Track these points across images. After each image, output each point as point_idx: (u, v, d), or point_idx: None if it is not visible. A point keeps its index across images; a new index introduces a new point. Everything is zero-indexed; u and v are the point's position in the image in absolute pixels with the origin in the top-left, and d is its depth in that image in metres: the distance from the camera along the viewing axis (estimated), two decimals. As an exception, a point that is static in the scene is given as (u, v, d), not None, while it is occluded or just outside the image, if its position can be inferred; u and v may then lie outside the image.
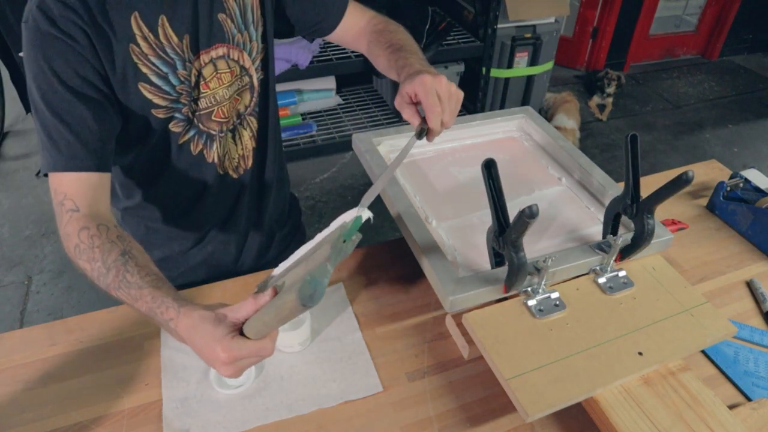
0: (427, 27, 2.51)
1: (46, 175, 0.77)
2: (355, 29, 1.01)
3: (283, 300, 0.57)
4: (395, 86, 2.94)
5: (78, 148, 0.74)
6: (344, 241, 0.60)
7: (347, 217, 0.66)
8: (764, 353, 0.86)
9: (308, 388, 0.78)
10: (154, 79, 0.80)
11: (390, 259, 1.01)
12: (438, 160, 1.06)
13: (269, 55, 0.95)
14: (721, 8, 3.89)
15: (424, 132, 0.77)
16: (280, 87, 2.62)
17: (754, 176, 1.13)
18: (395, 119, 2.90)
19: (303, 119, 2.82)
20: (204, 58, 0.84)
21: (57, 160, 0.74)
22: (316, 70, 2.43)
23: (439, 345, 0.86)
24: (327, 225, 0.67)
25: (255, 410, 0.75)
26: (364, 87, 3.18)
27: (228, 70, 0.88)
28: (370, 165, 0.97)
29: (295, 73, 2.38)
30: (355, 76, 3.08)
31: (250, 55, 0.91)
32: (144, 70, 0.79)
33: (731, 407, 0.74)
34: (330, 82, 2.84)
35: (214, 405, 0.76)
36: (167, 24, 0.79)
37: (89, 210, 0.74)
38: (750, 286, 0.98)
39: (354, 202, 2.71)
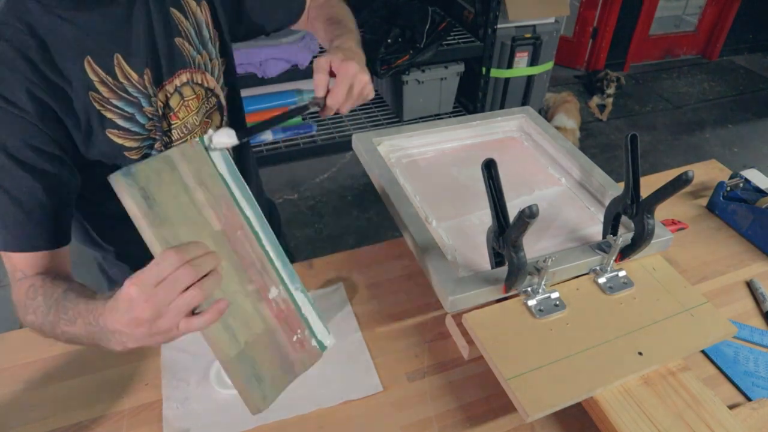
0: (427, 27, 2.50)
1: None
2: (305, 12, 1.01)
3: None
4: (395, 86, 2.92)
5: (29, 227, 0.69)
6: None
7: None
8: (764, 353, 0.86)
9: (308, 387, 0.78)
10: (120, 122, 0.75)
11: (390, 259, 1.01)
12: (438, 160, 1.06)
13: (231, 67, 0.92)
14: (721, 8, 3.89)
15: (321, 105, 0.77)
16: (280, 87, 2.61)
17: (754, 176, 1.13)
18: (395, 119, 2.90)
19: (303, 119, 2.82)
20: (168, 88, 0.79)
21: (6, 240, 0.69)
22: (316, 70, 2.43)
23: (439, 345, 0.86)
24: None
25: (255, 410, 0.75)
26: (364, 87, 3.18)
27: (194, 96, 0.84)
28: (370, 165, 0.97)
29: (295, 73, 2.38)
30: (355, 76, 3.08)
31: (213, 74, 0.87)
32: (109, 115, 0.74)
33: (731, 407, 0.74)
34: (330, 82, 2.84)
35: (214, 405, 0.76)
36: (123, 62, 0.73)
37: (38, 273, 0.70)
38: (750, 286, 0.98)
39: (354, 202, 2.73)
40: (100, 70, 0.72)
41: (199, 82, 0.85)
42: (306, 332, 0.65)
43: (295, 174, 2.74)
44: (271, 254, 0.61)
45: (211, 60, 0.86)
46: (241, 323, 0.61)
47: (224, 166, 0.58)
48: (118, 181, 0.53)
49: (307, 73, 2.42)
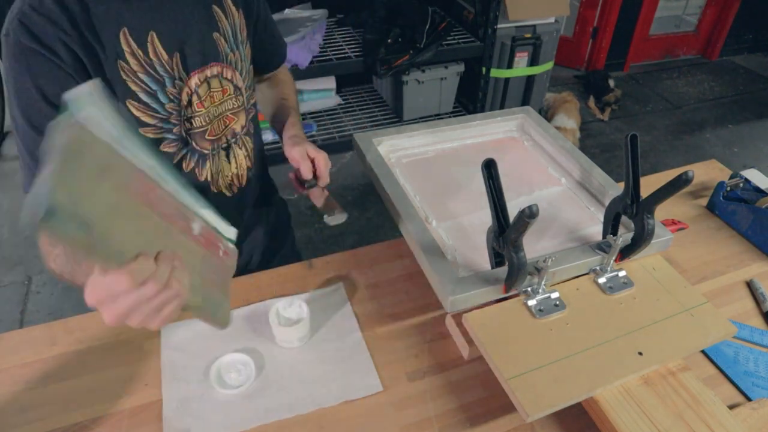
0: (427, 27, 2.50)
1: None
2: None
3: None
4: (395, 86, 2.92)
5: None
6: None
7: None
8: (764, 353, 0.86)
9: (308, 387, 0.78)
10: (142, 96, 0.78)
11: (390, 259, 1.01)
12: (438, 160, 1.06)
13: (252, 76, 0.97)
14: (721, 8, 3.89)
15: (315, 183, 0.94)
16: (280, 87, 2.62)
17: (754, 176, 1.13)
18: (395, 119, 2.90)
19: (303, 119, 2.82)
20: (199, 76, 0.83)
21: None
22: (316, 70, 2.43)
23: (439, 345, 0.86)
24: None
25: (255, 410, 0.75)
26: (364, 87, 3.18)
27: (220, 89, 0.87)
28: (370, 165, 0.97)
29: (295, 73, 2.38)
30: (355, 76, 3.08)
31: (241, 74, 0.91)
32: (133, 87, 0.77)
33: (731, 407, 0.74)
34: (330, 82, 2.84)
35: (214, 405, 0.76)
36: (157, 40, 0.77)
37: None
38: (750, 286, 0.98)
39: (354, 202, 2.72)
40: (133, 43, 0.75)
41: (229, 78, 0.88)
42: (223, 242, 0.70)
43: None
44: (177, 188, 0.60)
45: (241, 61, 0.91)
46: (191, 271, 0.59)
47: (107, 126, 0.50)
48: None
49: (307, 73, 2.42)
